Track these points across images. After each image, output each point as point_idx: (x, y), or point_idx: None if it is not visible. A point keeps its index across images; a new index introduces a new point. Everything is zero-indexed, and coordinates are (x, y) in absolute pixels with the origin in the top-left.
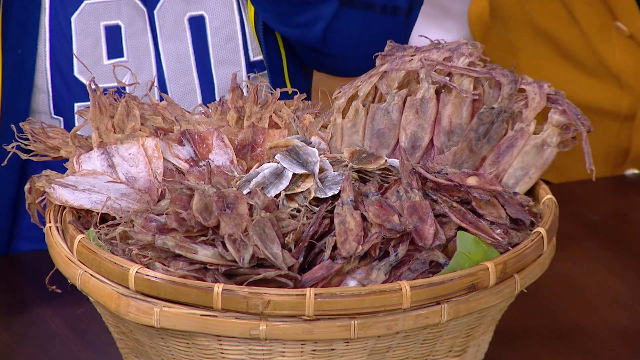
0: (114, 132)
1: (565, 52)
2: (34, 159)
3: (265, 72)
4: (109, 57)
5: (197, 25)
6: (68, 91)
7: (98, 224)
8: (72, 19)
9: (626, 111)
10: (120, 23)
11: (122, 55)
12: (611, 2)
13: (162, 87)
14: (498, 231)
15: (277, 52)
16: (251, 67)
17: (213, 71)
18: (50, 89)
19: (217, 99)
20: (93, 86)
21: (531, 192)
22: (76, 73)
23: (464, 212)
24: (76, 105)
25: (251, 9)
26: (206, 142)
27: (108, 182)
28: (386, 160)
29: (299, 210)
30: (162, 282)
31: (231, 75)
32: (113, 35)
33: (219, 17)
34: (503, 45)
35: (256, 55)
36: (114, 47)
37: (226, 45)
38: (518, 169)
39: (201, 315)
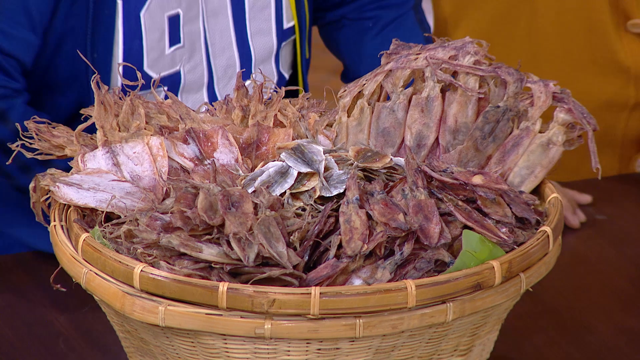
0: (119, 131)
1: (571, 52)
2: (39, 157)
3: (293, 38)
4: (170, 45)
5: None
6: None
7: (103, 223)
8: (141, 14)
9: (634, 101)
10: (180, 11)
11: (179, 42)
12: (626, 5)
13: (207, 64)
14: (504, 230)
15: (304, 19)
16: (283, 34)
17: (250, 42)
18: (121, 86)
19: (253, 70)
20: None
21: (537, 191)
22: (146, 67)
23: (469, 211)
24: None
25: None
26: (211, 141)
27: (113, 180)
28: (391, 159)
29: (304, 209)
30: (167, 281)
31: (266, 45)
32: (174, 24)
33: None
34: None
35: (288, 22)
36: (174, 35)
37: (260, 15)
38: (524, 168)
39: (206, 314)
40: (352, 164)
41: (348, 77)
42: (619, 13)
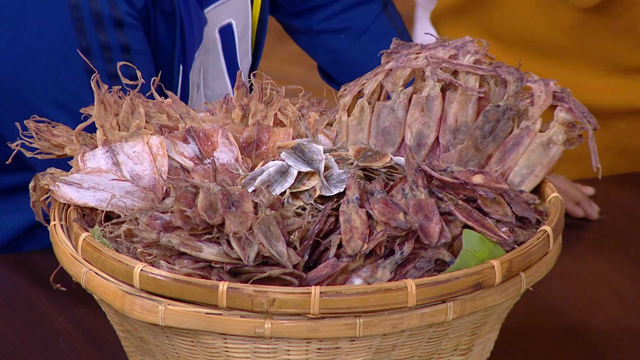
0: (119, 130)
1: (598, 59)
2: (39, 156)
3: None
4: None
5: (227, 32)
6: None
7: (103, 222)
8: (190, 75)
9: None
10: (202, 57)
11: (198, 87)
12: None
13: (205, 98)
14: (504, 229)
15: (264, 36)
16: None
17: (240, 66)
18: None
19: None
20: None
21: (537, 190)
22: None
23: (469, 210)
24: None
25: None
26: (211, 140)
27: (113, 180)
28: (392, 158)
29: (304, 208)
30: (167, 280)
31: (247, 64)
32: (196, 70)
33: (242, 18)
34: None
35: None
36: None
37: (244, 40)
38: (524, 167)
39: (206, 313)
40: (352, 163)
41: (326, 75)
42: None
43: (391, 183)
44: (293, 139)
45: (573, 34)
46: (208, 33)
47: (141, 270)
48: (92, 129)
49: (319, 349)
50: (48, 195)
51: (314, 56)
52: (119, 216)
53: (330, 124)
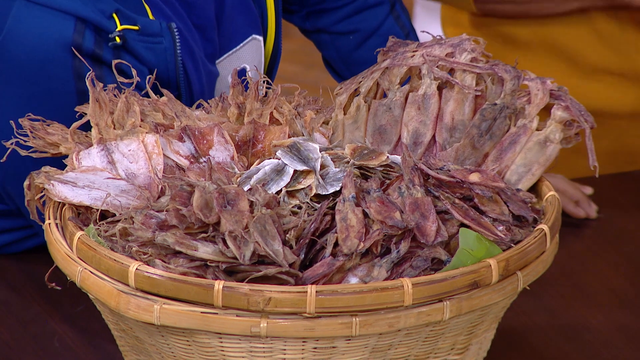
0: (114, 128)
1: (584, 66)
2: (34, 155)
3: None
4: None
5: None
6: None
7: (98, 221)
8: None
9: None
10: None
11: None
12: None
13: None
14: (500, 228)
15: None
16: None
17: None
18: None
19: None
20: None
21: (534, 189)
22: None
23: (466, 209)
24: None
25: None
26: (207, 138)
27: (108, 178)
28: (388, 157)
29: (300, 207)
30: (162, 279)
31: None
32: None
33: (256, 59)
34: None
35: None
36: None
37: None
38: (521, 166)
39: (202, 312)
40: (349, 161)
41: (330, 67)
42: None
43: (387, 182)
44: (289, 137)
45: None
46: (221, 81)
47: (136, 269)
48: (87, 127)
49: (315, 348)
50: (43, 194)
51: (320, 50)
52: (114, 215)
53: (326, 123)
